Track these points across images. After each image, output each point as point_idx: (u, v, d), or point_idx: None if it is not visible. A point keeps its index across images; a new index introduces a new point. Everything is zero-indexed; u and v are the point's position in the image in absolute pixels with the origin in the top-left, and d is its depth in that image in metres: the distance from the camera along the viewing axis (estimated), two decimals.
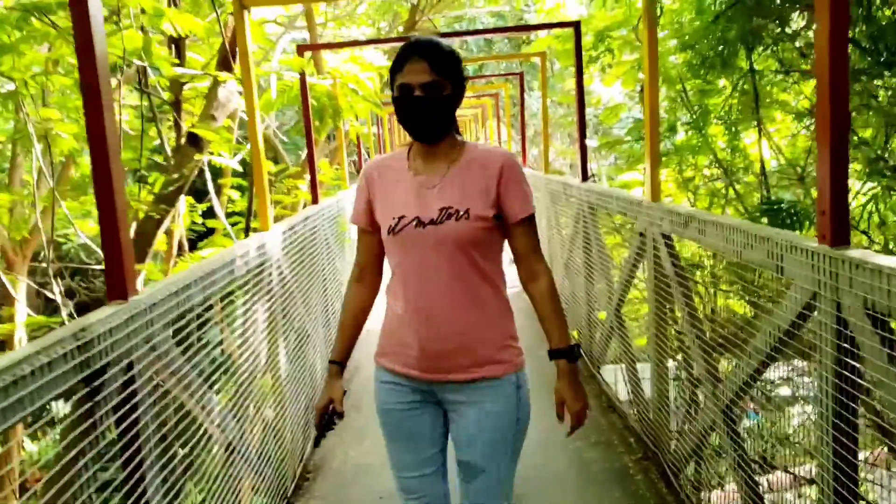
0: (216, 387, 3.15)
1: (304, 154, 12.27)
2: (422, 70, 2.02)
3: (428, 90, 2.03)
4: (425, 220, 2.08)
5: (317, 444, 2.41)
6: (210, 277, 2.85)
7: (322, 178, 7.79)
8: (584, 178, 5.78)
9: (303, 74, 5.80)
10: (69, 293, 16.24)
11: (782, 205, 3.16)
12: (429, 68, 2.02)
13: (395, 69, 2.08)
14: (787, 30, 6.54)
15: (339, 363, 2.26)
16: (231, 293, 3.29)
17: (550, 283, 2.17)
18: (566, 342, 2.14)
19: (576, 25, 5.70)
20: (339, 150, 7.69)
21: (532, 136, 22.81)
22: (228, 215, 7.47)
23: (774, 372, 3.02)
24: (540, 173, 7.88)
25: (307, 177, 8.56)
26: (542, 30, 7.40)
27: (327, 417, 2.20)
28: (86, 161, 8.11)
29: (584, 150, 5.79)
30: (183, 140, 5.93)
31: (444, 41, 2.12)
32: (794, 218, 3.01)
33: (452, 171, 2.13)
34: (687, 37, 6.97)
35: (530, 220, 2.16)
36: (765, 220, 4.78)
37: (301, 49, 5.78)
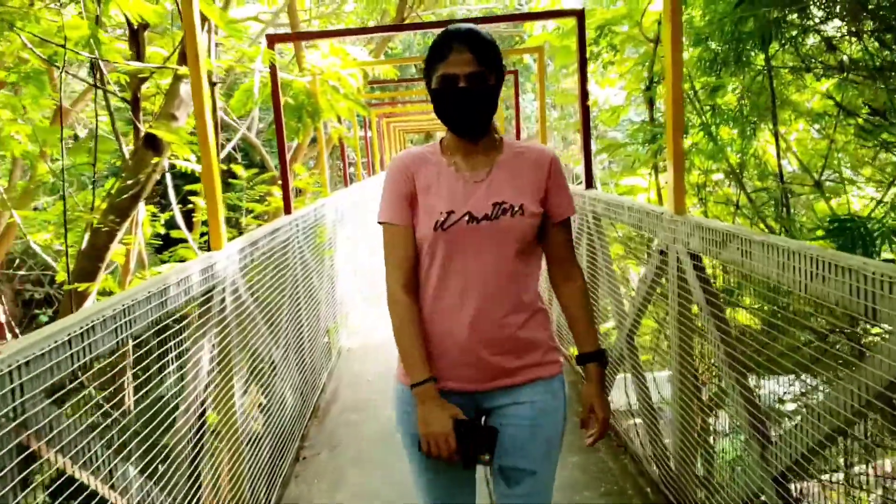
0: (151, 445, 2.53)
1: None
2: (466, 60, 1.92)
3: (473, 81, 1.93)
4: (478, 215, 1.98)
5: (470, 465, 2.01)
6: (127, 316, 2.23)
7: (299, 184, 7.14)
8: (589, 184, 5.17)
9: (273, 68, 5.17)
10: (48, 300, 15.59)
11: (850, 223, 2.54)
12: (473, 58, 1.93)
13: (435, 59, 1.97)
14: (810, 22, 5.98)
15: (434, 378, 1.97)
16: (166, 328, 2.66)
17: (585, 285, 2.16)
18: (598, 345, 2.11)
19: (579, 15, 5.10)
20: (319, 155, 7.04)
21: (525, 139, 22.22)
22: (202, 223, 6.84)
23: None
24: None
25: (300, 177, 7.93)
26: (542, 19, 6.77)
27: (464, 431, 1.91)
28: (45, 166, 7.48)
29: (588, 153, 5.18)
30: (140, 142, 5.30)
31: (483, 29, 2.01)
32: (868, 238, 2.42)
33: (498, 165, 2.05)
34: (696, 31, 6.40)
35: (570, 221, 2.13)
36: (780, 234, 4.19)
37: (271, 40, 5.15)
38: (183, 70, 4.97)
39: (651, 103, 7.32)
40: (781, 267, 2.31)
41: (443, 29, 2.01)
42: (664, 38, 3.36)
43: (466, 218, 1.97)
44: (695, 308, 3.27)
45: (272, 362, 4.10)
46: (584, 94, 5.12)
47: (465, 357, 2.00)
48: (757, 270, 2.50)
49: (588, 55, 7.92)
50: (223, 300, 3.26)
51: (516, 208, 1.99)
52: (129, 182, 5.11)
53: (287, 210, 5.15)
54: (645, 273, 3.84)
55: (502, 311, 1.99)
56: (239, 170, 6.34)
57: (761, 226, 6.46)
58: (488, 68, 1.95)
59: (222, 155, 8.36)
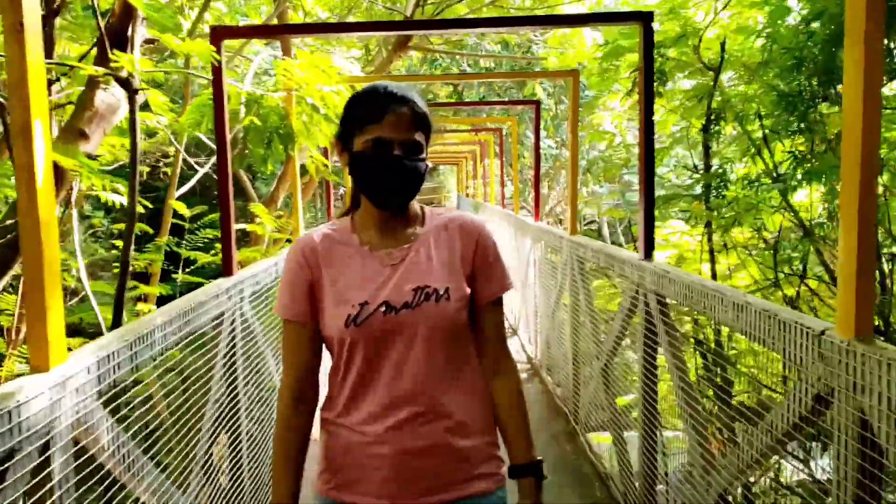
0: None
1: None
2: (404, 125, 1.69)
3: (409, 150, 1.70)
4: (396, 303, 1.70)
5: None
6: None
7: (258, 229, 5.66)
8: (649, 253, 3.73)
9: (217, 71, 3.74)
10: None
11: None
12: (412, 124, 1.70)
13: (365, 118, 1.69)
14: None
15: None
16: None
17: (518, 381, 1.84)
18: (533, 456, 1.79)
19: (645, 18, 3.66)
20: (293, 191, 5.59)
21: (532, 178, 20.76)
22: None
23: None
24: (563, 232, 5.83)
25: (259, 221, 6.46)
26: (599, 23, 5.29)
27: None
28: None
29: (650, 211, 3.73)
30: None
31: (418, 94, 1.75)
32: None
33: (419, 241, 1.78)
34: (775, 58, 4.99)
35: (502, 301, 1.84)
36: None
37: (217, 34, 3.70)
38: (91, 70, 3.55)
39: (707, 147, 5.90)
40: None
41: (370, 86, 1.73)
42: (848, 48, 1.91)
43: (383, 308, 1.69)
44: None
45: None
46: (649, 129, 3.69)
47: (398, 470, 1.69)
48: None
49: (628, 89, 6.55)
50: (46, 464, 1.79)
51: (441, 292, 1.71)
52: (10, 222, 3.67)
53: (227, 270, 3.68)
54: (778, 410, 2.37)
55: (435, 416, 1.70)
56: (182, 208, 4.90)
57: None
58: (423, 137, 1.72)
59: (182, 191, 6.92)
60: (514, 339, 8.40)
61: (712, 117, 5.78)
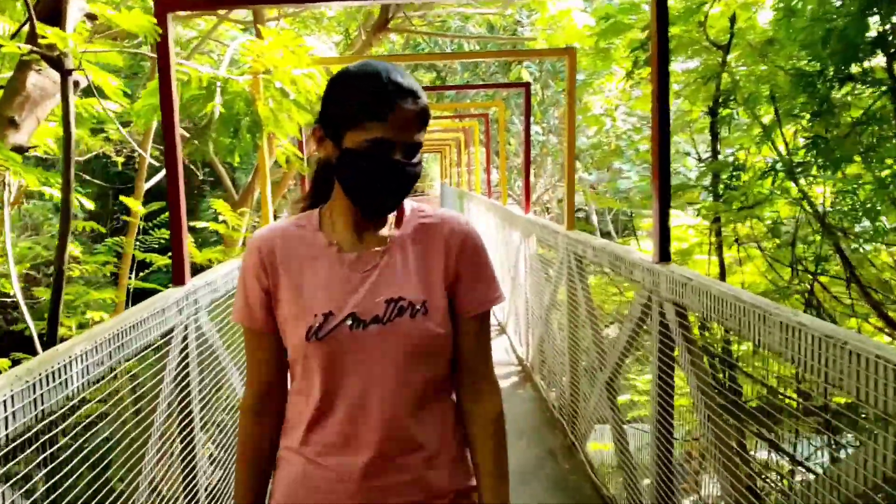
0: None
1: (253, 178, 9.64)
2: (409, 125, 1.45)
3: (410, 152, 1.47)
4: (365, 317, 1.48)
5: None
6: None
7: (221, 228, 5.16)
8: (664, 255, 3.27)
9: (163, 47, 3.22)
10: None
11: None
12: (416, 123, 1.46)
13: (367, 112, 1.42)
14: None
15: None
16: None
17: (499, 408, 1.61)
18: (505, 498, 1.56)
19: None
20: (261, 185, 5.07)
21: (518, 166, 20.21)
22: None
23: None
24: (559, 227, 5.36)
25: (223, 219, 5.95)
26: None
27: None
28: None
29: (665, 207, 3.27)
30: None
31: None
32: None
33: (395, 244, 1.55)
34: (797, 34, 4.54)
35: (488, 315, 1.63)
36: None
37: (163, 5, 3.16)
38: (13, 47, 3.04)
39: (715, 133, 5.43)
40: None
41: (368, 67, 1.46)
42: None
43: (350, 322, 1.47)
44: None
45: None
46: (664, 113, 3.21)
47: None
48: None
49: (628, 71, 6.07)
50: None
51: (418, 306, 1.49)
52: None
53: (178, 279, 3.18)
54: (851, 463, 1.91)
55: (401, 450, 1.50)
56: (135, 205, 4.40)
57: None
58: (423, 133, 1.49)
59: (152, 183, 6.42)
60: (502, 339, 7.93)
61: (720, 100, 5.32)
